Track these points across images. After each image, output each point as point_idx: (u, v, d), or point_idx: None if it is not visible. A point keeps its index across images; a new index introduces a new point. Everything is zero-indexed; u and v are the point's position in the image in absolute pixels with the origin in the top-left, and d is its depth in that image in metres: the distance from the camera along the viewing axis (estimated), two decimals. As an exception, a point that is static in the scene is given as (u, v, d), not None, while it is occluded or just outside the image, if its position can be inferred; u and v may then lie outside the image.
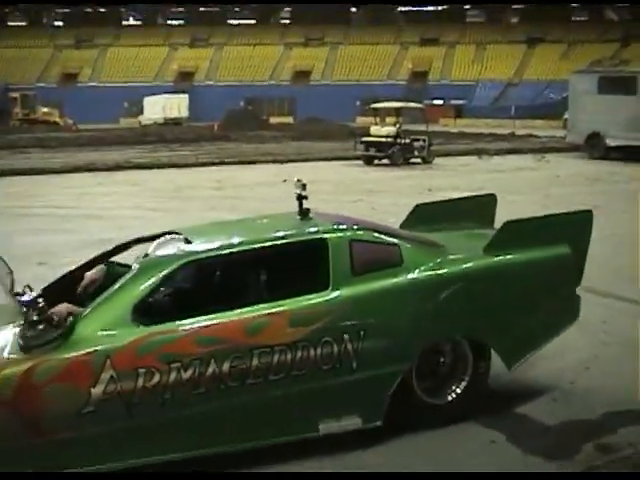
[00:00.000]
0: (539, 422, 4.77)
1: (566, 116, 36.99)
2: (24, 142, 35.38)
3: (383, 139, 24.75)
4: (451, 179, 19.60)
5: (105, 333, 3.87)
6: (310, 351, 4.12)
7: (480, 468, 4.14)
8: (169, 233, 4.68)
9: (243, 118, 56.25)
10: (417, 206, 5.84)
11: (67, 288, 4.60)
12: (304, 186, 4.68)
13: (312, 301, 4.24)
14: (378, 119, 27.96)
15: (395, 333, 4.36)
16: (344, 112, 66.30)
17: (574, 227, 5.09)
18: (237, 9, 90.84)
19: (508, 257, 4.80)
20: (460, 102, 72.17)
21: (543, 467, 4.15)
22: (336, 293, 4.30)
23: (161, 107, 67.38)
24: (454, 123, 62.29)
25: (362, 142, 25.26)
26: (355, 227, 4.64)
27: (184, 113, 68.52)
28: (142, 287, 4.03)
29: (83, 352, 3.80)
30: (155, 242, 4.57)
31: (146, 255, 4.37)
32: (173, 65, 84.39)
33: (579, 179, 19.65)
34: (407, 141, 25.16)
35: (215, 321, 4.06)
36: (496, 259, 4.79)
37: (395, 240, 4.65)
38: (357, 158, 25.38)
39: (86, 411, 3.77)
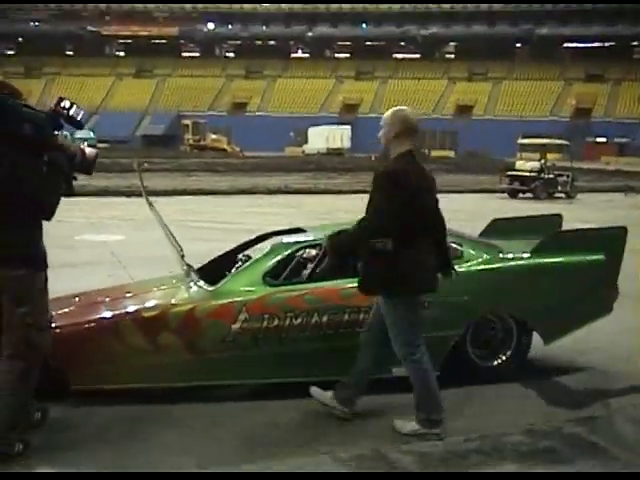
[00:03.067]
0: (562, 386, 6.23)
1: None
2: (194, 166, 38.54)
3: (527, 173, 25.93)
4: (587, 213, 20.49)
5: (244, 289, 5.66)
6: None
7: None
8: (299, 229, 6.51)
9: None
10: (494, 220, 7.42)
11: (220, 265, 6.48)
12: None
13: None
14: (524, 154, 29.03)
15: (450, 307, 5.88)
16: (505, 147, 66.45)
17: (610, 240, 6.49)
18: (402, 43, 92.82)
19: (550, 258, 6.27)
20: (623, 140, 70.86)
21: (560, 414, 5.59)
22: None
23: (324, 138, 69.74)
24: (616, 161, 61.40)
25: (507, 176, 26.53)
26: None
27: (346, 144, 70.63)
28: (271, 261, 5.81)
29: (229, 300, 5.60)
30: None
31: None
32: (338, 97, 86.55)
33: None
34: (551, 176, 26.21)
35: (319, 287, 5.76)
36: (539, 259, 6.26)
37: (458, 241, 6.24)
38: (500, 191, 26.64)
39: (228, 339, 5.54)
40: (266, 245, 6.16)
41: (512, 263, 6.26)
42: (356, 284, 5.61)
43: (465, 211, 20.34)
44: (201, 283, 5.85)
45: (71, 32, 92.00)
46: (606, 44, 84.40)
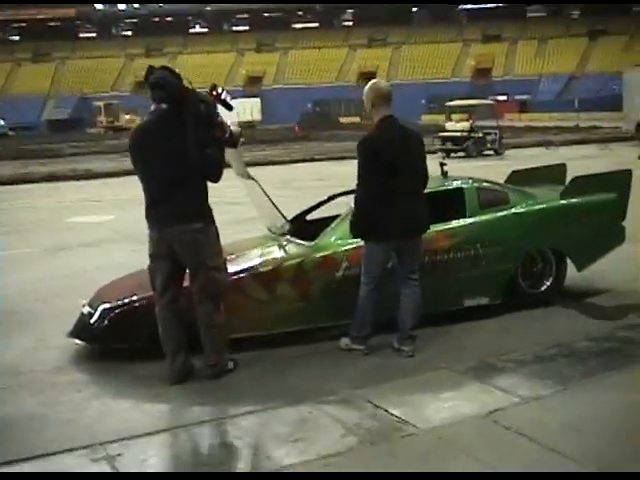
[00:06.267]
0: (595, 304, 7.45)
1: (628, 108, 39.06)
2: (124, 147, 38.49)
3: (458, 134, 27.34)
4: (524, 166, 21.81)
5: (340, 242, 6.59)
6: (457, 253, 6.80)
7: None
8: None
9: (316, 119, 59.02)
10: (513, 172, 8.57)
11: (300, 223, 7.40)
12: (444, 158, 7.39)
13: (457, 224, 6.93)
14: (453, 116, 30.36)
15: (506, 244, 7.01)
16: (410, 111, 67.97)
17: (619, 180, 7.70)
18: (300, 13, 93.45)
19: (575, 199, 7.48)
20: (524, 97, 73.09)
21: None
22: (470, 219, 6.99)
23: (235, 111, 69.66)
24: (519, 117, 63.45)
25: (439, 137, 27.89)
26: (478, 181, 7.34)
27: (257, 116, 70.92)
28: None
29: (329, 252, 6.52)
30: None
31: None
32: (241, 70, 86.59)
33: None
34: (480, 135, 27.71)
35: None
36: (567, 200, 7.48)
37: (504, 189, 7.36)
38: (433, 152, 27.87)
39: (332, 286, 6.47)
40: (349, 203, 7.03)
41: (549, 205, 7.45)
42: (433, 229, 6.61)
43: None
44: (298, 240, 6.78)
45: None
46: (500, 5, 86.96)
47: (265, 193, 6.76)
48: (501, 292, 7.03)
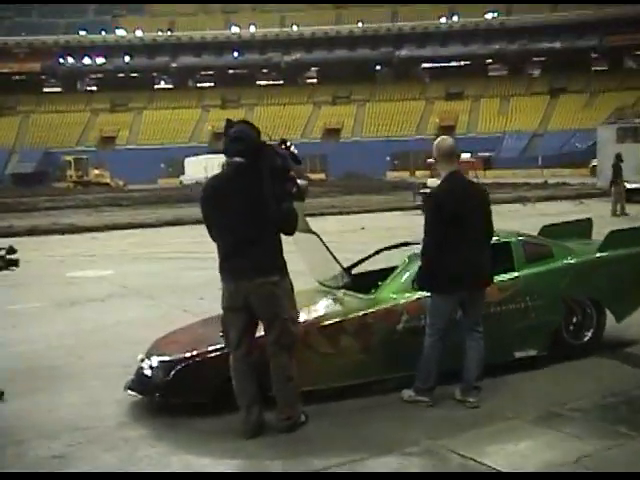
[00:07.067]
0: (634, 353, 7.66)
1: (593, 163, 40.18)
2: (99, 201, 38.67)
3: (438, 190, 27.67)
4: (508, 222, 21.92)
5: (396, 295, 6.73)
6: (509, 306, 6.98)
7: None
8: (406, 242, 7.66)
9: (284, 175, 59.17)
10: (543, 226, 8.81)
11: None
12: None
13: (507, 277, 7.11)
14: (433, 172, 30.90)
15: (553, 296, 7.23)
16: (375, 167, 68.98)
17: None
18: (265, 70, 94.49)
19: (613, 252, 7.75)
20: (488, 154, 73.98)
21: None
22: (519, 273, 7.18)
23: (202, 167, 69.42)
24: (484, 174, 64.02)
25: (420, 193, 28.21)
26: (524, 235, 7.60)
27: (226, 172, 70.66)
28: (414, 269, 6.82)
29: (390, 305, 6.65)
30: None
31: None
32: (206, 126, 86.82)
33: (616, 219, 22.51)
34: (459, 190, 28.13)
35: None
36: (606, 253, 7.76)
37: (547, 243, 7.61)
38: (414, 208, 28.19)
39: (394, 338, 6.58)
40: (403, 258, 7.20)
41: (590, 257, 7.74)
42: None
43: (401, 227, 21.72)
44: (352, 293, 6.93)
45: None
46: (462, 63, 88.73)
47: (325, 245, 6.85)
48: (548, 343, 7.21)
